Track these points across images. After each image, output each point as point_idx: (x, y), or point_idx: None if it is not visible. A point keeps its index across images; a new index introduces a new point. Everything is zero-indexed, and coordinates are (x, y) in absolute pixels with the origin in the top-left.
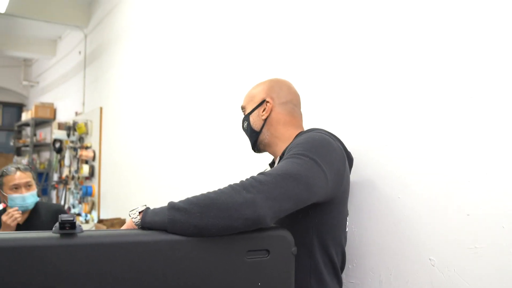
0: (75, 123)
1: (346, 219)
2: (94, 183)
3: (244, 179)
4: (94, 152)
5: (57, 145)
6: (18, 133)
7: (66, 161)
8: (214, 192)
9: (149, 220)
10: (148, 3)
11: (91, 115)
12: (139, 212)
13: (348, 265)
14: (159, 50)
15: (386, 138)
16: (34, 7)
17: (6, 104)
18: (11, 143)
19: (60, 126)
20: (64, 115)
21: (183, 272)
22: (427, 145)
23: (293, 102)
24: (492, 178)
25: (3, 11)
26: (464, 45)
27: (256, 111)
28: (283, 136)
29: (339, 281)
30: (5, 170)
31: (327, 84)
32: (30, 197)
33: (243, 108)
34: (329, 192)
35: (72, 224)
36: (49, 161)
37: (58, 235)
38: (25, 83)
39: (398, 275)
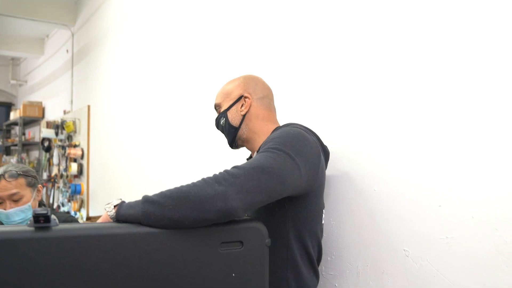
0: (63, 122)
1: (322, 211)
2: (83, 181)
3: (217, 173)
4: (82, 150)
5: (46, 143)
6: (7, 132)
7: (55, 160)
8: (187, 185)
9: (124, 213)
10: (132, 2)
11: (79, 114)
12: (114, 206)
13: (326, 257)
14: (145, 48)
15: (362, 132)
16: (21, 5)
17: None
18: (0, 143)
19: (49, 125)
20: (53, 114)
21: (158, 264)
22: (400, 138)
23: (269, 97)
24: (462, 169)
25: None
26: (432, 44)
27: (234, 107)
28: (261, 131)
29: (316, 273)
30: None
31: (304, 78)
32: (17, 214)
33: (217, 105)
34: (304, 185)
35: (46, 218)
36: (38, 160)
37: (33, 228)
38: (13, 82)
39: (374, 266)
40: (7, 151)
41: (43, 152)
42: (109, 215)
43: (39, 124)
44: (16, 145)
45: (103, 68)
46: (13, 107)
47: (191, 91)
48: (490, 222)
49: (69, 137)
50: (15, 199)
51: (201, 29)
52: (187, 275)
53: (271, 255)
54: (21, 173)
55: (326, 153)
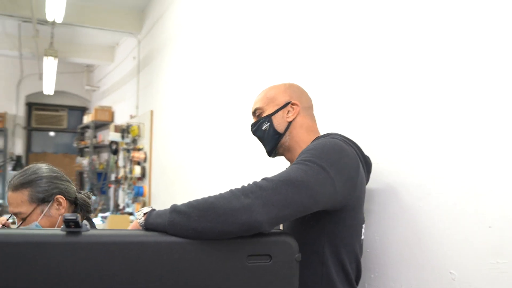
0: (128, 126)
1: (362, 226)
2: (145, 184)
3: (246, 184)
4: (145, 153)
5: (114, 146)
6: (81, 135)
7: (121, 162)
8: (215, 196)
9: (152, 222)
10: (193, 9)
11: (143, 118)
12: (144, 214)
13: (370, 274)
14: (203, 54)
15: (407, 144)
16: (91, 16)
17: (71, 108)
18: (74, 144)
19: (116, 129)
20: (121, 118)
21: (183, 273)
22: (449, 153)
23: (312, 108)
24: None
25: (60, 21)
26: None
27: (280, 113)
28: (303, 141)
29: None
30: None
31: (348, 89)
32: None
33: (259, 110)
34: (339, 199)
35: (76, 223)
36: (107, 162)
37: (64, 232)
38: (87, 87)
39: (418, 287)
40: (82, 153)
41: (112, 155)
42: (138, 223)
43: (108, 128)
44: (88, 147)
45: (165, 74)
46: (87, 111)
47: (248, 96)
48: None
49: (134, 141)
50: (22, 218)
51: (258, 34)
52: (213, 285)
53: (305, 270)
54: (24, 182)
55: (367, 164)
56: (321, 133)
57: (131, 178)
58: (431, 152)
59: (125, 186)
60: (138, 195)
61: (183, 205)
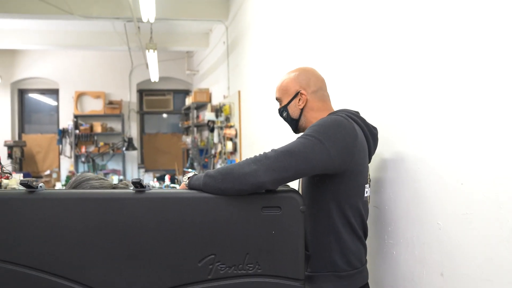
0: (221, 106)
1: (364, 186)
2: (237, 157)
3: (261, 153)
4: (236, 130)
5: (211, 125)
6: (185, 116)
7: (215, 139)
8: (234, 164)
9: (192, 183)
10: None
11: (233, 98)
12: (188, 178)
13: (387, 227)
14: (282, 35)
15: (410, 120)
16: (182, 9)
17: (175, 91)
18: (179, 125)
19: (212, 109)
20: (216, 99)
21: (214, 220)
22: (433, 127)
23: (322, 88)
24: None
25: (152, 20)
26: None
27: (292, 102)
28: (316, 120)
29: (360, 239)
30: None
31: (376, 76)
32: None
33: (278, 99)
34: (336, 164)
35: (141, 185)
36: (207, 139)
37: (133, 191)
38: (187, 72)
39: (418, 237)
40: (187, 132)
41: (209, 132)
42: (184, 184)
43: (206, 108)
44: (190, 126)
45: (248, 56)
46: (190, 94)
47: (326, 73)
48: None
49: (227, 119)
50: None
51: (333, 13)
52: (237, 229)
53: (315, 224)
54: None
55: (372, 134)
56: (334, 108)
57: (224, 153)
58: (425, 126)
59: (220, 160)
60: None
61: (213, 170)
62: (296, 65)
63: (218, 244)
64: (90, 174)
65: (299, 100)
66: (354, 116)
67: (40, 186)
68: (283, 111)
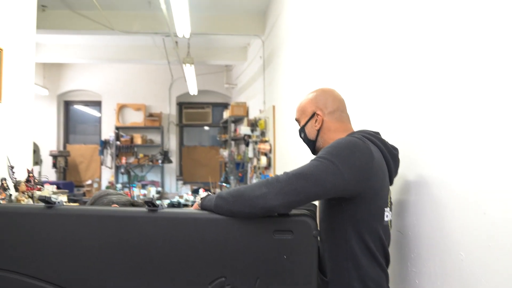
0: (257, 120)
1: (383, 210)
2: (271, 173)
3: (273, 176)
4: (270, 145)
5: (247, 139)
6: (224, 129)
7: (250, 153)
8: (246, 186)
9: (204, 204)
10: (303, 8)
11: (268, 113)
12: (201, 198)
13: (410, 254)
14: (315, 50)
15: (436, 144)
16: (220, 24)
17: (214, 104)
18: (218, 138)
19: (248, 123)
20: (253, 113)
21: (225, 242)
22: (460, 152)
23: (339, 109)
24: None
25: (187, 36)
26: None
27: (309, 123)
28: (333, 141)
29: (380, 265)
30: None
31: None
32: None
33: (297, 120)
34: (351, 187)
35: (153, 204)
36: (244, 153)
37: (146, 210)
38: (226, 85)
39: (441, 265)
40: (225, 145)
41: (246, 146)
42: (197, 204)
43: (243, 122)
44: (227, 140)
45: (283, 71)
46: (228, 107)
47: (357, 91)
48: None
49: (262, 133)
50: None
51: (370, 32)
52: (248, 252)
53: (332, 247)
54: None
55: (393, 155)
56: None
57: (258, 167)
58: (451, 150)
59: (255, 174)
60: None
61: (225, 192)
62: (327, 82)
63: (228, 267)
64: (110, 190)
65: (316, 121)
66: (371, 137)
67: (58, 202)
68: (301, 132)
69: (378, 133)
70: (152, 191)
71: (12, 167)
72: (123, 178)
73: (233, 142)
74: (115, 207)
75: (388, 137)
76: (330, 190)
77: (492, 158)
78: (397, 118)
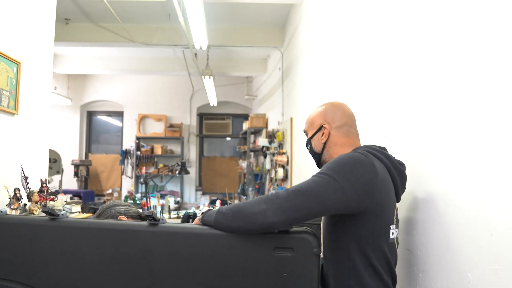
0: (275, 132)
1: (389, 227)
2: (288, 185)
3: (272, 192)
4: (287, 157)
5: (265, 151)
6: (243, 140)
7: (267, 165)
8: (246, 202)
9: (205, 219)
10: (320, 21)
11: (286, 125)
12: (202, 213)
13: (419, 273)
14: (331, 63)
15: (443, 161)
16: (239, 36)
17: (234, 116)
18: (237, 149)
19: (266, 134)
20: (272, 124)
21: (224, 257)
22: (465, 165)
23: (347, 124)
24: None
25: (204, 48)
26: None
27: (316, 136)
28: (338, 156)
29: (385, 284)
30: None
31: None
32: None
33: (305, 131)
34: (353, 204)
35: (154, 218)
36: (263, 164)
37: (147, 224)
38: (246, 97)
39: (448, 286)
40: (244, 156)
41: (263, 158)
42: (198, 219)
43: (262, 134)
44: (245, 151)
45: (300, 83)
46: (248, 118)
47: (378, 102)
48: None
49: (280, 145)
50: None
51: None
52: (247, 269)
53: (336, 265)
54: (99, 214)
55: (399, 171)
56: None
57: (275, 180)
58: (458, 165)
59: (272, 186)
60: None
61: (225, 207)
62: (343, 95)
63: (228, 283)
64: (118, 201)
65: (322, 134)
66: (376, 152)
67: (62, 214)
68: (307, 144)
69: (384, 148)
70: (170, 201)
71: (26, 178)
72: (143, 188)
73: (252, 153)
74: (122, 218)
75: (396, 153)
76: (331, 207)
77: (501, 179)
78: (407, 133)
